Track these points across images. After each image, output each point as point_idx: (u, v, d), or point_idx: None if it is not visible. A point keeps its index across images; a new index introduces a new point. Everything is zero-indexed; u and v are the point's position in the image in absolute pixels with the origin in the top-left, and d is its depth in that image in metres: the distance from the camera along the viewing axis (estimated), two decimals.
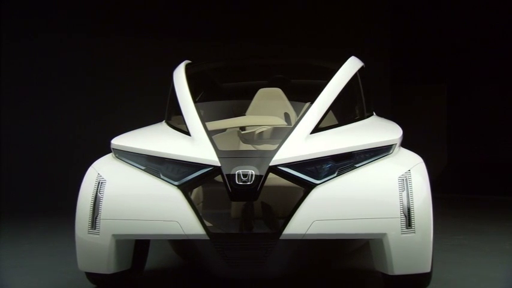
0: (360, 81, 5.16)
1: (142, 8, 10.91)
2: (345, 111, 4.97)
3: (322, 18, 12.36)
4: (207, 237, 3.84)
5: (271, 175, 3.89)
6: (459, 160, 12.12)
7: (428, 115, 12.66)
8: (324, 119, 4.45)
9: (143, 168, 4.14)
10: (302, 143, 4.11)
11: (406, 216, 3.84)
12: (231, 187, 3.84)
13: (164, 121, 5.03)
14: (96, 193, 4.06)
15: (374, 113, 5.33)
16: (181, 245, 4.39)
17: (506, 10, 11.55)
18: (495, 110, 11.82)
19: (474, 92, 12.09)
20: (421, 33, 12.82)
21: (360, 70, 5.22)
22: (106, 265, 4.04)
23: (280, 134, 4.26)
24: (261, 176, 3.85)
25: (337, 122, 4.65)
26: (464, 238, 6.64)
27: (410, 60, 13.01)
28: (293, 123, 4.49)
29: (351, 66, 5.11)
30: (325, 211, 3.83)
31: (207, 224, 3.85)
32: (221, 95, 5.69)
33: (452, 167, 11.87)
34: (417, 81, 13.02)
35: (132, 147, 4.27)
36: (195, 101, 4.64)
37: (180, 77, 5.00)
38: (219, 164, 3.92)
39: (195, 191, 4.02)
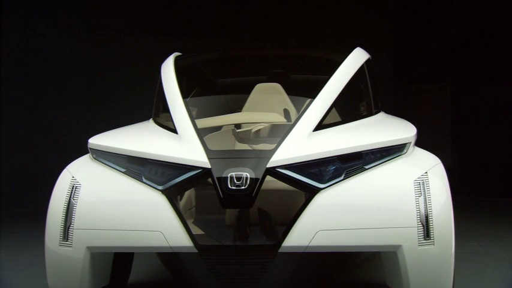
0: (366, 74, 4.77)
1: (134, 4, 10.66)
2: (350, 107, 4.60)
3: (322, 16, 12.17)
4: (194, 250, 3.42)
5: (268, 178, 3.48)
6: (464, 160, 11.85)
7: (432, 114, 12.43)
8: (328, 116, 4.04)
9: (123, 170, 3.72)
10: (303, 142, 3.69)
11: (423, 226, 3.41)
12: (222, 192, 3.42)
13: (151, 119, 4.60)
14: (70, 199, 3.62)
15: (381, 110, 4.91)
16: (168, 257, 3.96)
17: None
18: (501, 108, 11.54)
19: (479, 90, 11.85)
20: (425, 30, 12.63)
21: (367, 62, 4.82)
22: (79, 282, 3.59)
23: (279, 132, 3.86)
24: (257, 179, 3.43)
25: (342, 119, 4.22)
26: (479, 245, 6.22)
27: (414, 59, 12.86)
28: (293, 120, 4.10)
29: (357, 57, 4.74)
30: (330, 220, 3.40)
31: (195, 234, 3.42)
32: (214, 90, 5.36)
33: (457, 167, 11.55)
34: (420, 79, 12.78)
35: (111, 147, 3.84)
36: (184, 96, 4.24)
37: (168, 71, 4.64)
38: (209, 166, 3.50)
39: (185, 195, 3.62)
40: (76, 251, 3.54)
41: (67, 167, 3.89)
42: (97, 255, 3.61)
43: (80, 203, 3.58)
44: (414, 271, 3.40)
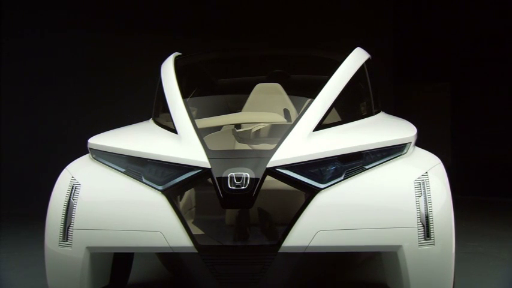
0: (367, 74, 4.75)
1: (134, 4, 10.64)
2: (351, 107, 4.57)
3: (322, 16, 12.13)
4: (194, 250, 3.41)
5: (268, 178, 3.46)
6: (464, 160, 11.81)
7: (432, 114, 12.38)
8: (328, 116, 4.03)
9: (123, 170, 3.71)
10: (304, 142, 3.67)
11: (424, 226, 3.40)
12: (222, 192, 3.41)
13: (151, 119, 4.59)
14: (69, 199, 3.61)
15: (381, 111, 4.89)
16: (168, 257, 3.96)
17: None
18: (501, 108, 11.51)
19: (479, 90, 11.81)
20: (425, 30, 12.58)
21: (367, 62, 4.80)
22: (79, 282, 3.58)
23: (279, 132, 3.84)
24: (256, 180, 3.42)
25: (342, 119, 4.20)
26: (479, 245, 6.20)
27: (414, 59, 12.78)
28: (293, 120, 4.08)
29: (357, 57, 4.72)
30: (330, 220, 3.39)
31: (195, 234, 3.41)
32: (214, 89, 5.32)
33: (457, 167, 11.51)
34: (420, 79, 12.75)
35: (110, 147, 3.83)
36: (184, 96, 4.23)
37: (168, 71, 4.63)
38: (209, 166, 3.49)
39: (185, 195, 3.61)
40: (76, 251, 3.52)
41: (67, 167, 3.87)
42: (97, 255, 3.60)
43: (79, 203, 3.57)
44: (414, 271, 3.38)
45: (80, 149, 4.72)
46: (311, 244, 3.34)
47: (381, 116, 4.67)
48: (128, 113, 7.31)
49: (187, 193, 3.61)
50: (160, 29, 10.65)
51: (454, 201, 3.57)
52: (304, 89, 4.72)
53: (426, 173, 3.55)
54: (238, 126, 4.26)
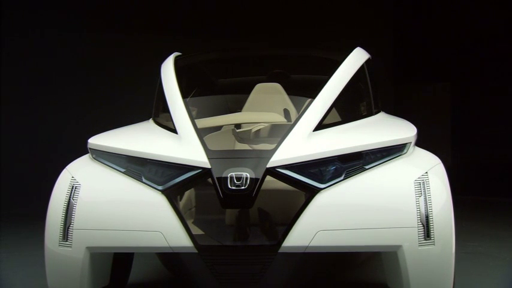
0: (367, 74, 4.75)
1: (134, 4, 10.65)
2: (350, 107, 4.57)
3: (322, 16, 12.13)
4: (194, 250, 3.41)
5: (268, 178, 3.46)
6: (464, 160, 11.81)
7: (432, 114, 12.37)
8: (328, 116, 4.03)
9: (123, 170, 3.71)
10: (304, 142, 3.67)
11: (424, 226, 3.40)
12: (222, 192, 3.41)
13: (151, 119, 4.59)
14: (69, 199, 3.61)
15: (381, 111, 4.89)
16: (168, 257, 3.96)
17: None
18: (501, 108, 11.50)
19: (479, 90, 11.79)
20: (425, 30, 12.57)
21: (367, 62, 4.80)
22: (79, 282, 3.58)
23: (279, 132, 3.85)
24: (257, 180, 3.42)
25: (342, 119, 4.20)
26: (479, 245, 6.19)
27: (414, 59, 12.78)
28: (293, 120, 4.08)
29: (357, 57, 4.72)
30: (330, 220, 3.39)
31: (195, 234, 3.42)
32: (214, 89, 5.32)
33: (457, 167, 11.51)
34: (420, 79, 12.74)
35: (110, 147, 3.83)
36: (184, 96, 4.23)
37: (168, 71, 4.63)
38: (208, 166, 3.49)
39: (185, 195, 3.62)
40: (76, 251, 3.53)
41: (67, 167, 3.88)
42: (97, 255, 3.60)
43: (79, 203, 3.58)
44: (414, 271, 3.39)
45: (80, 149, 4.72)
46: (311, 244, 3.35)
47: (381, 116, 4.67)
48: (128, 113, 7.30)
49: (187, 193, 3.62)
50: (160, 29, 10.65)
51: (454, 201, 3.57)
52: (304, 89, 4.72)
53: (426, 173, 3.55)
54: (238, 126, 4.27)
